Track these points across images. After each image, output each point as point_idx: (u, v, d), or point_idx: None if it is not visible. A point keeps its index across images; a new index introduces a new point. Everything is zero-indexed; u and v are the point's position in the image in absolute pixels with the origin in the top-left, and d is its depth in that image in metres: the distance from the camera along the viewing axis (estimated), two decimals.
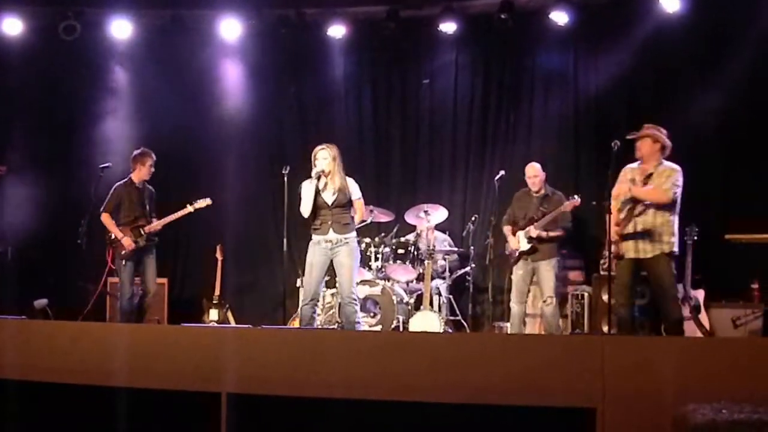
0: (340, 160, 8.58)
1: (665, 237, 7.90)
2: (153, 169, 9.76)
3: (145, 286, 9.68)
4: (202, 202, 9.71)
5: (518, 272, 9.48)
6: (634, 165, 8.20)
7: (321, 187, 8.48)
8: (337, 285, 9.15)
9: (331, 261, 8.53)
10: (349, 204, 8.58)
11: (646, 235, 7.90)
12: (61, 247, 10.61)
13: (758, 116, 10.23)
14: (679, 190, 7.96)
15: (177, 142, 11.81)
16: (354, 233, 8.67)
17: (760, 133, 10.16)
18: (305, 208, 8.51)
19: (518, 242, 9.41)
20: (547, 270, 9.31)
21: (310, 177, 8.53)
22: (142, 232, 9.54)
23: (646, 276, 8.17)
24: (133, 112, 11.99)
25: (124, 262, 9.52)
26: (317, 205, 8.51)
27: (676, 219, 8.00)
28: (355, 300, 8.51)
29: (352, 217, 8.64)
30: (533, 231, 9.24)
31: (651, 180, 7.98)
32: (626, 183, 8.06)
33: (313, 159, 8.56)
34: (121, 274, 9.58)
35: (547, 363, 5.24)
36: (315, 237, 8.59)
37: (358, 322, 8.59)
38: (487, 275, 10.42)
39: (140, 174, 9.71)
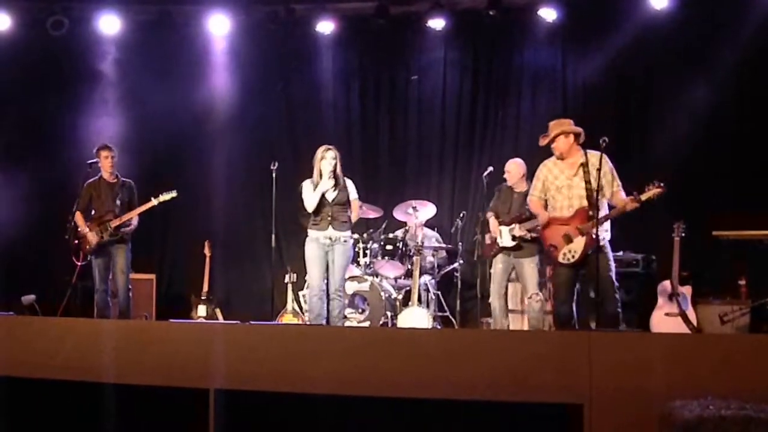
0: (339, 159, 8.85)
1: (604, 228, 7.89)
2: (112, 161, 9.64)
3: (113, 284, 9.63)
4: (167, 195, 9.64)
5: (498, 266, 9.36)
6: (553, 160, 8.17)
7: (331, 186, 8.73)
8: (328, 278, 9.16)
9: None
10: (347, 202, 8.88)
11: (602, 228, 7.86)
12: (50, 243, 10.56)
13: (746, 112, 10.27)
14: None
15: (165, 138, 11.82)
16: (350, 232, 8.95)
17: (749, 130, 10.20)
18: (311, 203, 8.77)
19: (501, 236, 9.35)
20: (531, 267, 9.20)
21: (311, 177, 8.84)
22: (108, 227, 9.48)
23: (587, 270, 8.01)
24: (121, 108, 11.92)
25: (88, 257, 9.52)
26: (318, 202, 8.74)
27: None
28: (341, 295, 8.83)
29: (350, 216, 8.92)
30: (518, 230, 9.16)
31: (587, 169, 7.85)
32: (556, 179, 8.04)
33: (318, 158, 8.78)
34: (92, 270, 9.60)
35: (535, 359, 5.24)
36: (312, 233, 8.85)
37: (345, 317, 8.89)
38: (475, 271, 10.42)
39: (104, 167, 9.67)
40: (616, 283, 7.94)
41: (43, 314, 10.16)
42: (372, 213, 10.80)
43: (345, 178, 8.92)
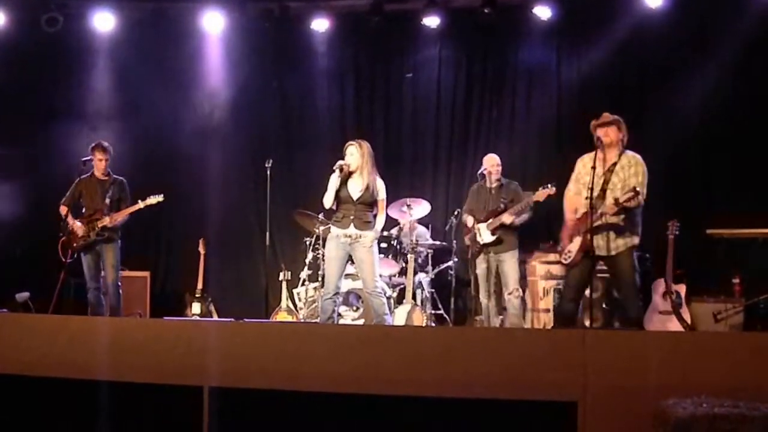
0: (371, 158, 8.54)
1: (633, 231, 7.59)
2: (104, 163, 9.59)
3: (103, 281, 9.61)
4: (153, 199, 9.59)
5: (482, 266, 9.37)
6: (590, 155, 7.78)
7: (341, 180, 8.41)
8: (359, 278, 9.08)
9: (351, 256, 8.56)
10: (373, 203, 8.57)
11: (615, 231, 7.57)
12: (43, 240, 10.54)
13: (741, 111, 10.27)
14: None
15: (159, 135, 11.80)
16: (373, 233, 8.59)
17: (743, 128, 10.21)
18: (327, 199, 8.47)
19: (480, 235, 9.35)
20: (512, 262, 9.22)
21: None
22: (96, 227, 9.46)
23: (609, 272, 8.02)
24: (116, 105, 11.93)
25: (75, 255, 9.51)
26: (342, 198, 8.49)
27: (640, 211, 7.64)
28: (380, 293, 8.54)
29: (375, 216, 8.62)
30: (506, 218, 9.10)
31: (616, 171, 7.59)
32: (587, 175, 7.77)
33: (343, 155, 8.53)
34: (83, 268, 9.59)
35: (529, 357, 5.24)
36: (334, 230, 8.56)
37: (387, 314, 8.60)
38: (469, 269, 10.43)
39: (97, 167, 9.64)
40: (638, 287, 7.72)
41: (36, 311, 10.15)
42: None
43: (377, 180, 8.57)
